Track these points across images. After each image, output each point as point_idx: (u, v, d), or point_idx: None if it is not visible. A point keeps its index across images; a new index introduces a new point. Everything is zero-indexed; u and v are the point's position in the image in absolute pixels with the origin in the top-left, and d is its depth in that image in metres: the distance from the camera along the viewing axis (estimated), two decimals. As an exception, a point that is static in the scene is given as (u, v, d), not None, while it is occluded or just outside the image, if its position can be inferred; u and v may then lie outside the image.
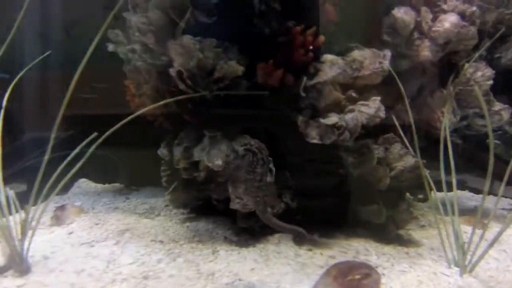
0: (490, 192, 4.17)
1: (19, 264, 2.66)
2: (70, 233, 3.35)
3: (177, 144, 3.03)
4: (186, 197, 3.50)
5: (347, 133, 2.61)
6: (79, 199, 4.26)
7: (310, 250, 2.95)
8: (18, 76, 3.09)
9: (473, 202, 4.39)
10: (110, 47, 3.54)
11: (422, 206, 3.86)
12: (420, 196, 3.85)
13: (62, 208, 3.66)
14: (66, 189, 2.51)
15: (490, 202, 4.42)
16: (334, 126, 2.60)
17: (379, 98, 2.76)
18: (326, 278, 2.28)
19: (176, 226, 3.43)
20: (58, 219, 3.54)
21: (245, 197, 2.77)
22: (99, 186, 4.87)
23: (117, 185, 4.79)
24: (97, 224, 3.49)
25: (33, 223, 2.80)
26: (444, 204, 2.80)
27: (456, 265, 2.68)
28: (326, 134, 2.60)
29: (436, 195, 2.76)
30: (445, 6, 2.97)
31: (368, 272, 2.33)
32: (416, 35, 2.91)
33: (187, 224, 3.47)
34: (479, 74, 3.03)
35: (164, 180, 3.58)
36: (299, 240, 2.92)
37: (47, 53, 3.57)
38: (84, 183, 4.88)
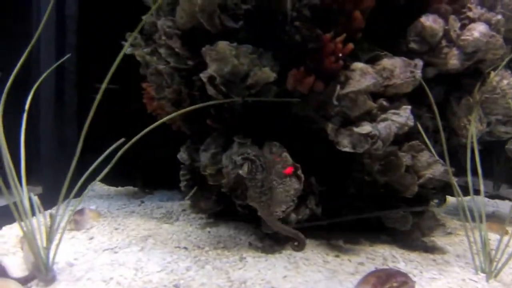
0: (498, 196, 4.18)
1: (44, 273, 2.58)
2: (91, 238, 3.31)
3: (204, 150, 3.01)
4: (206, 202, 3.48)
5: (380, 142, 2.61)
6: (94, 203, 4.23)
7: (337, 256, 2.95)
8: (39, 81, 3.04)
9: (490, 207, 4.42)
10: (128, 50, 3.51)
11: (438, 212, 3.87)
12: (435, 201, 3.86)
13: (80, 212, 3.62)
14: (79, 192, 2.49)
15: (504, 207, 4.46)
16: (367, 135, 2.59)
17: (409, 107, 2.76)
18: (364, 285, 2.28)
19: (198, 231, 3.41)
20: (77, 224, 3.51)
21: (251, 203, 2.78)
22: (112, 189, 4.83)
23: (130, 188, 4.76)
24: (116, 229, 3.47)
25: (59, 229, 2.77)
26: (464, 210, 2.81)
27: (483, 271, 2.70)
28: (359, 143, 2.60)
29: (463, 201, 2.76)
30: (470, 14, 2.98)
31: (404, 279, 2.33)
32: (444, 43, 2.91)
33: (208, 229, 3.45)
34: (505, 82, 3.04)
35: (183, 184, 3.56)
36: (298, 247, 2.93)
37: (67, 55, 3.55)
38: (97, 186, 4.85)
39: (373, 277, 2.32)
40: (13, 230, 3.39)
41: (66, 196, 3.84)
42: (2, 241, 3.19)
